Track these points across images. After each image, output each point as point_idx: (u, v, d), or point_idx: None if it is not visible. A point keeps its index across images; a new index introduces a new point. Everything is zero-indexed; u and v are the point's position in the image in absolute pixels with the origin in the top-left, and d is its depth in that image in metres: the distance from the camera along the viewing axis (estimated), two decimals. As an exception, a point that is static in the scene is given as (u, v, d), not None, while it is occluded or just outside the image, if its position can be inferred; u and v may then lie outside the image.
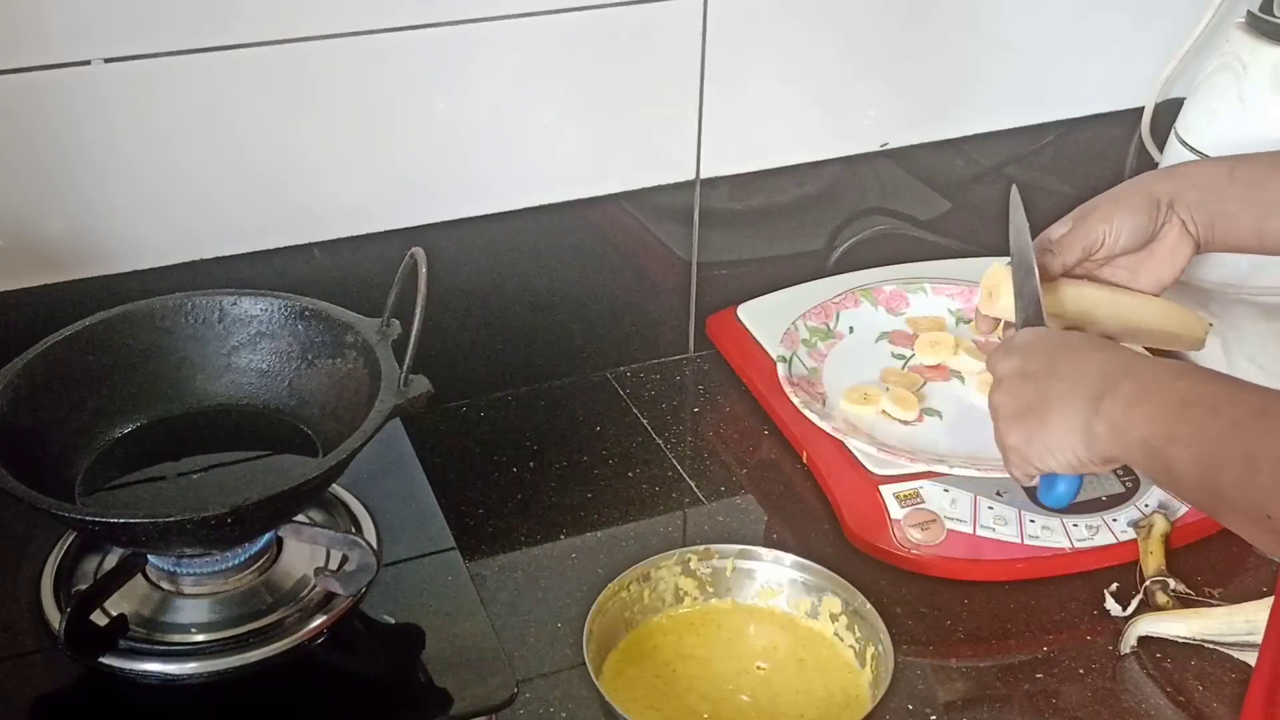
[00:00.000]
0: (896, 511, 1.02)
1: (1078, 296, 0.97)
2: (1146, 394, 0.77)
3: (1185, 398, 0.74)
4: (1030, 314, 0.94)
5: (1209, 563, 1.02)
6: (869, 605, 0.91)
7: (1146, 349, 1.02)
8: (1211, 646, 0.95)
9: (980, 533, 1.01)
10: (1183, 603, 0.98)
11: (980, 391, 1.11)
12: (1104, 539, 1.01)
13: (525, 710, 0.90)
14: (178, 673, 0.88)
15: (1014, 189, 1.02)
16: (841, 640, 0.93)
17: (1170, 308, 0.99)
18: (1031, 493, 0.99)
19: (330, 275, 1.14)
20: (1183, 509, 1.03)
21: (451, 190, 1.17)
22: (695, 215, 1.27)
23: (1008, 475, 0.90)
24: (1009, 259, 0.98)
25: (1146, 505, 1.03)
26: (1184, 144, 1.23)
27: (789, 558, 0.95)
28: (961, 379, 1.15)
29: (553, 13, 1.12)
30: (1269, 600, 0.89)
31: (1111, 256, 0.97)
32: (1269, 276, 1.20)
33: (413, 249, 0.90)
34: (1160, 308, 0.99)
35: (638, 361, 1.28)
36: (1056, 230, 0.99)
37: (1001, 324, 1.00)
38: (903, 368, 1.16)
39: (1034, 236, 0.99)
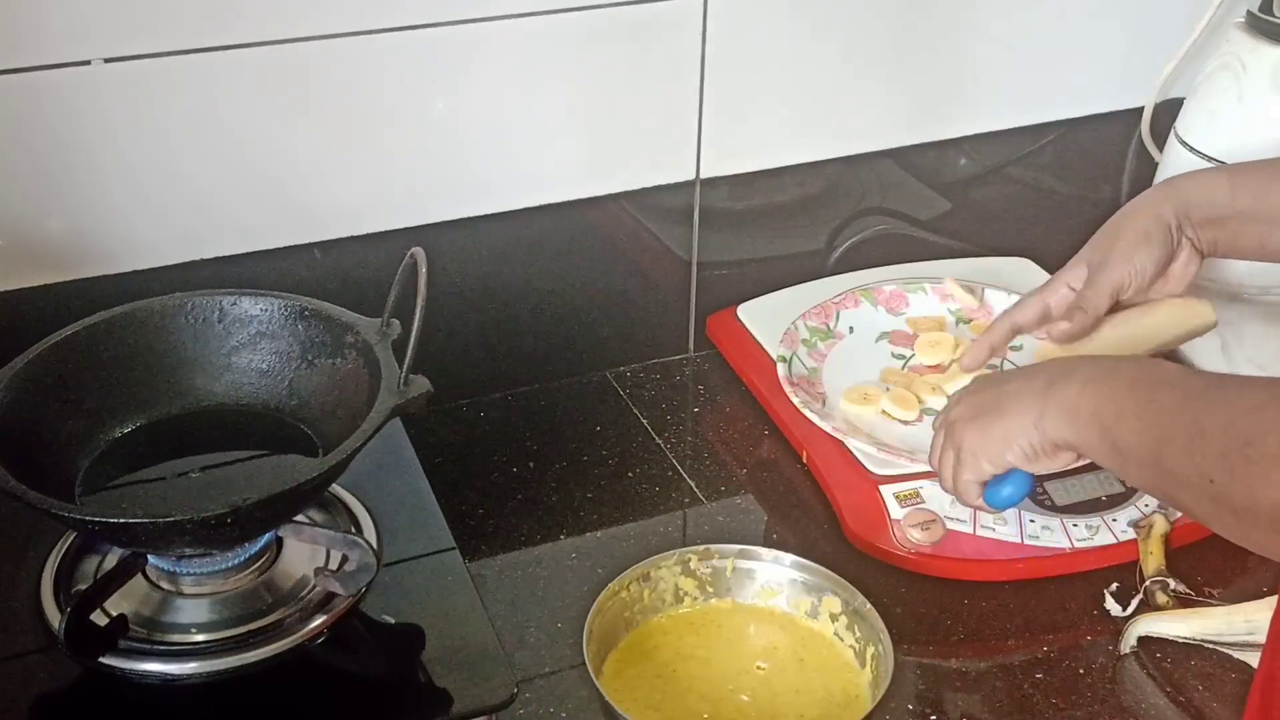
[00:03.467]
0: (896, 511, 1.02)
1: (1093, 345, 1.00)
2: (1098, 377, 0.80)
3: (1135, 377, 0.77)
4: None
5: (1209, 563, 1.02)
6: (869, 605, 0.91)
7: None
8: (1211, 646, 0.95)
9: (980, 533, 1.01)
10: (1183, 603, 0.98)
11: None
12: (1104, 539, 1.01)
13: (525, 710, 0.90)
14: (178, 673, 0.88)
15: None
16: (841, 640, 0.93)
17: (1174, 307, 1.00)
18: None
19: (330, 275, 1.14)
20: (1183, 509, 1.03)
21: (451, 190, 1.17)
22: (695, 215, 1.27)
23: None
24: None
25: (1146, 505, 1.03)
26: (1184, 144, 1.23)
27: (789, 558, 0.95)
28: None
29: (553, 13, 1.12)
30: (1269, 600, 0.89)
31: (1141, 292, 0.99)
32: (1269, 276, 1.20)
33: (413, 249, 0.90)
34: (1167, 312, 0.99)
35: (638, 361, 1.28)
36: (1072, 280, 1.00)
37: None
38: (903, 368, 1.16)
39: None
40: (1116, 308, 1.01)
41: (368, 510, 1.00)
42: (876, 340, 1.20)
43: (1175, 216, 0.97)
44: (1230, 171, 0.98)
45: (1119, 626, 0.97)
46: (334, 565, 0.93)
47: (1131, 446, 0.75)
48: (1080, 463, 0.87)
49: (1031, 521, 1.01)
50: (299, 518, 0.95)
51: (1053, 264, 1.10)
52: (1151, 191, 1.01)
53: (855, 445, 1.06)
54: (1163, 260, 0.97)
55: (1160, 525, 1.01)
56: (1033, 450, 0.85)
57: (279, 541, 0.95)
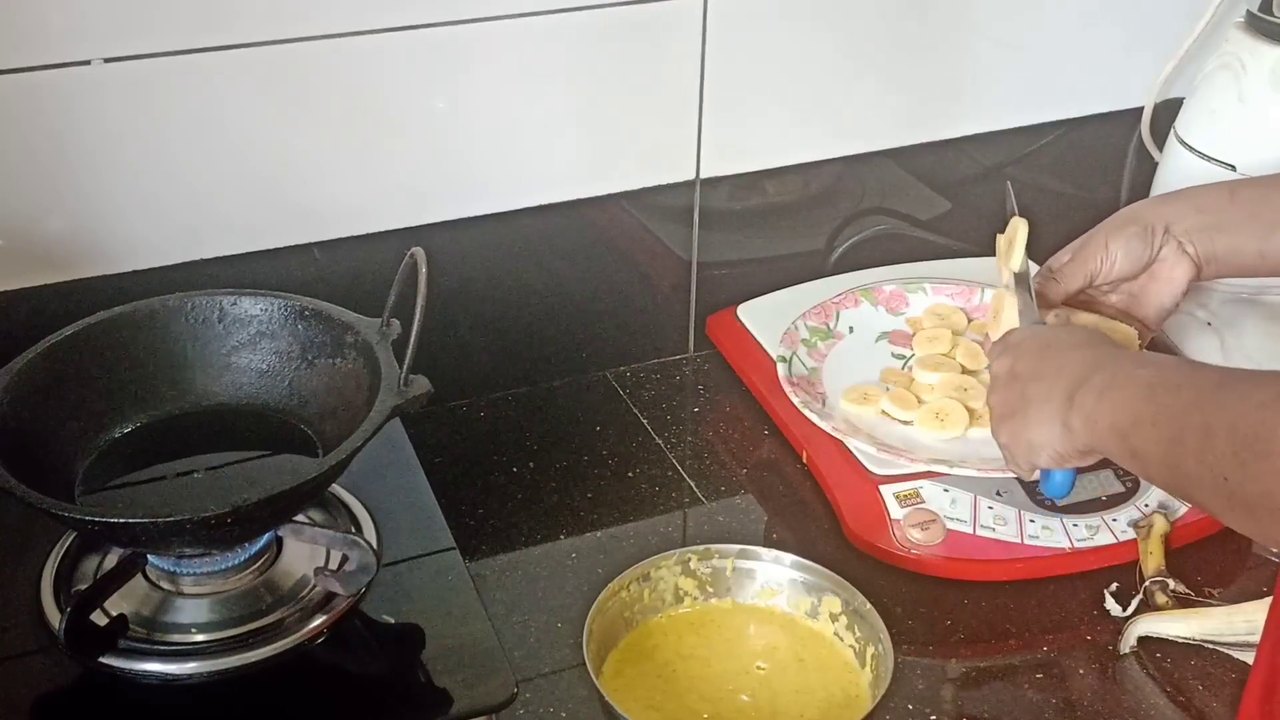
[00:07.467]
0: (896, 511, 1.02)
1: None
2: (1114, 383, 0.81)
3: (1150, 382, 0.79)
4: (1031, 316, 0.99)
5: (1209, 563, 1.02)
6: (869, 605, 0.91)
7: None
8: (1211, 646, 0.95)
9: (980, 533, 1.01)
10: (1182, 603, 0.98)
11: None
12: (1104, 539, 1.01)
13: (525, 710, 0.90)
14: (178, 673, 0.88)
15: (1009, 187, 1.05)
16: (841, 640, 0.93)
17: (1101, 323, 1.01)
18: (1031, 488, 1.02)
19: (330, 275, 1.14)
20: (1183, 509, 1.03)
21: (451, 190, 1.17)
22: (695, 215, 1.27)
23: (1007, 475, 0.98)
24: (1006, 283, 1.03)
25: (1146, 505, 1.03)
26: (1183, 144, 1.23)
27: (789, 558, 0.95)
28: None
29: (553, 13, 1.12)
30: (1269, 600, 0.89)
31: (1110, 282, 1.01)
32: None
33: (413, 249, 0.90)
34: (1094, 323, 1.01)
35: (638, 361, 1.28)
36: (1058, 260, 1.03)
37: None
38: (903, 368, 1.16)
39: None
40: (1093, 306, 1.03)
41: (368, 510, 1.00)
42: (876, 340, 1.20)
43: (1164, 220, 0.99)
44: (1233, 183, 1.00)
45: (1119, 626, 0.97)
46: (334, 565, 0.93)
47: (1149, 453, 0.77)
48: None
49: (1031, 521, 1.01)
50: (299, 518, 0.95)
51: (1053, 264, 1.10)
52: (1149, 199, 1.04)
53: (855, 445, 1.06)
54: (1137, 255, 0.98)
55: (1160, 525, 1.01)
56: (1060, 457, 0.87)
57: (279, 541, 0.95)
